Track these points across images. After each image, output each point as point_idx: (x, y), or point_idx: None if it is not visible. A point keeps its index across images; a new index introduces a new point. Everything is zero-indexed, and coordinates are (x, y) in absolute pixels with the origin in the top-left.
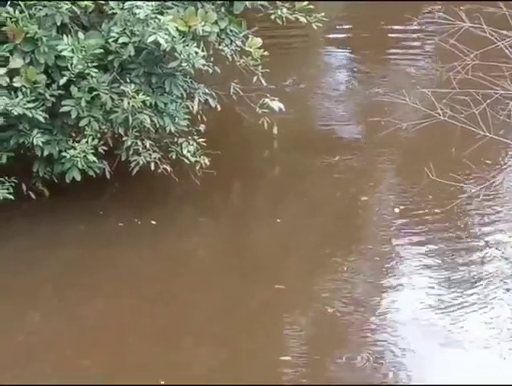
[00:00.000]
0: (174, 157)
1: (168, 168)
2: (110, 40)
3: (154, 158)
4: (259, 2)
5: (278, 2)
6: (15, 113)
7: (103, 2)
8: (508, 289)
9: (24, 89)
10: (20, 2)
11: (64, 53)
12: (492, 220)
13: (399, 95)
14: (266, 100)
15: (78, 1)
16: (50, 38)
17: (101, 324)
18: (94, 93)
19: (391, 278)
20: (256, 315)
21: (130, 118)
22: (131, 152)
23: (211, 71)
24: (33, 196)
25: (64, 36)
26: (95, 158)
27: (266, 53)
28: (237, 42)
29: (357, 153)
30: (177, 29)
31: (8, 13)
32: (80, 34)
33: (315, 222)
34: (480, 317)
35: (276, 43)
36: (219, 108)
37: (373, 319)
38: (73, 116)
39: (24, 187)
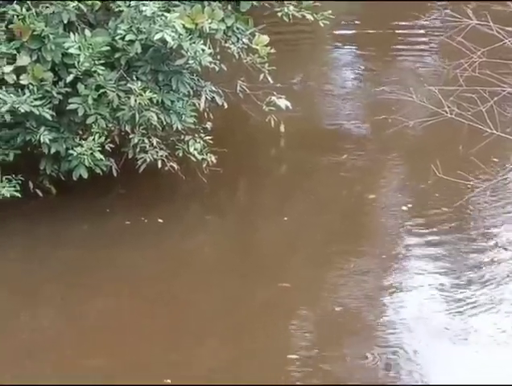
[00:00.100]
0: (181, 154)
1: (175, 166)
2: (117, 38)
3: (161, 155)
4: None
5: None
6: (22, 111)
7: (110, 0)
8: None
9: (31, 87)
10: (27, 0)
11: (70, 51)
12: (499, 218)
13: (406, 93)
14: (273, 98)
15: None
16: (57, 35)
17: (101, 324)
18: (101, 91)
19: (398, 277)
20: (262, 314)
21: (137, 116)
22: (138, 149)
23: (217, 68)
24: (40, 194)
25: (71, 34)
26: (102, 156)
27: (272, 50)
28: (243, 39)
29: (364, 151)
30: (184, 26)
31: (15, 10)
32: (87, 32)
33: (322, 220)
34: (489, 316)
35: (282, 38)
36: (226, 105)
37: (380, 318)
38: (80, 113)
39: (31, 185)
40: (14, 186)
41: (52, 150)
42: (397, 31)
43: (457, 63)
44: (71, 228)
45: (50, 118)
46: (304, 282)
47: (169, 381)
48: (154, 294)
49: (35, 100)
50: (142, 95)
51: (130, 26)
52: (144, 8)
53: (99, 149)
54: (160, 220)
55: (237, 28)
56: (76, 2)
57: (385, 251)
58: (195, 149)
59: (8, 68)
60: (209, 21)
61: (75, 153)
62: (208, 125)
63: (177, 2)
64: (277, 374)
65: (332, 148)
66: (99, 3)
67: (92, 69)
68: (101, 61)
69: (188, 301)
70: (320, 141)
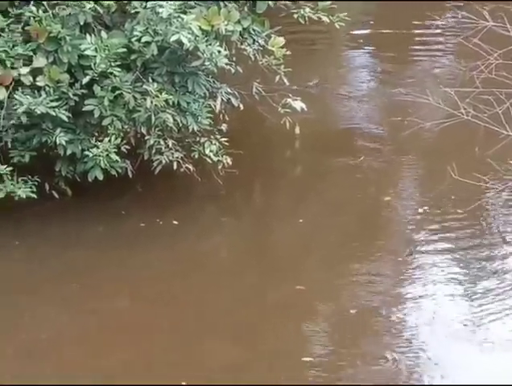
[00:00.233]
0: (196, 156)
1: (191, 167)
2: (133, 39)
3: (177, 157)
4: (282, 2)
5: (300, 1)
6: (38, 112)
7: (126, 2)
8: None
9: (47, 88)
10: (44, 2)
11: (87, 52)
12: None
13: (422, 94)
14: (289, 99)
15: (101, 0)
16: (73, 37)
17: (112, 324)
18: (117, 92)
19: (414, 280)
20: (276, 316)
21: (153, 117)
22: (154, 151)
23: (233, 70)
24: (56, 195)
25: (87, 35)
26: (118, 157)
27: (288, 52)
28: (259, 41)
29: (379, 152)
30: (200, 28)
31: (32, 12)
32: (103, 34)
33: (337, 222)
34: (506, 321)
35: (298, 39)
36: (241, 107)
37: (395, 321)
38: (96, 115)
39: (47, 187)
40: (30, 188)
41: (68, 152)
42: (413, 32)
43: (474, 65)
44: (86, 230)
45: (66, 120)
46: (319, 284)
47: (184, 383)
48: (169, 295)
49: (52, 101)
50: (158, 96)
51: (147, 28)
52: (160, 10)
53: (115, 150)
54: (175, 222)
55: (253, 30)
56: (93, 4)
57: (400, 254)
58: (210, 150)
59: (24, 70)
60: (225, 22)
61: (91, 155)
62: (224, 126)
63: (193, 4)
64: (291, 376)
65: (348, 150)
66: (115, 5)
67: (109, 71)
68: (118, 63)
69: (203, 302)
70: (336, 143)
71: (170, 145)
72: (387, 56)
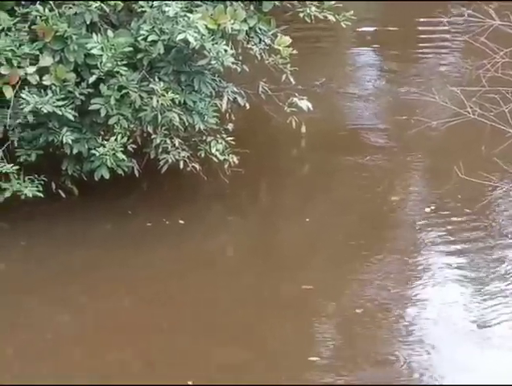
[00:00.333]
0: (203, 155)
1: (197, 166)
2: (139, 38)
3: (183, 156)
4: (288, 1)
5: (306, 0)
6: (45, 111)
7: (132, 1)
8: None
9: (54, 87)
10: (50, 1)
11: (93, 51)
12: None
13: (429, 93)
14: (295, 99)
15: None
16: (79, 36)
17: (117, 323)
18: (123, 91)
19: (421, 279)
20: (283, 316)
21: (159, 116)
22: (160, 150)
23: (239, 69)
24: (62, 194)
25: (94, 34)
26: (124, 156)
27: (294, 51)
28: (265, 40)
29: (386, 152)
30: (206, 27)
31: (38, 11)
32: (110, 33)
33: (344, 222)
34: None
35: (304, 37)
36: (248, 106)
37: (402, 320)
38: (102, 114)
39: (53, 186)
40: (37, 187)
41: (74, 151)
42: (419, 30)
43: (480, 64)
44: (92, 229)
45: (72, 119)
46: (325, 284)
47: (190, 383)
48: (174, 294)
49: (58, 100)
50: (164, 95)
51: (153, 27)
52: (167, 9)
53: (121, 149)
54: (182, 221)
55: (260, 29)
56: (99, 3)
57: (407, 253)
58: (217, 149)
59: (31, 69)
60: (232, 21)
61: (97, 154)
62: (230, 125)
63: (199, 3)
64: (297, 376)
65: (354, 149)
66: (121, 4)
67: (115, 70)
68: (124, 62)
69: (209, 301)
70: (342, 142)
71: (176, 144)
72: (393, 54)
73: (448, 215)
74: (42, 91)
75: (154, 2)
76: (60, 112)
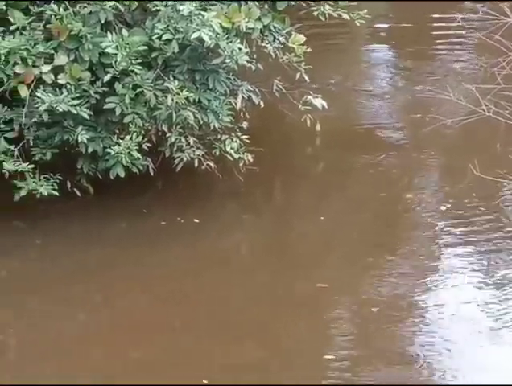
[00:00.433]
0: (217, 153)
1: (212, 165)
2: (154, 37)
3: (198, 154)
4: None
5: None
6: (60, 110)
7: (147, 0)
8: None
9: (69, 86)
10: (65, 0)
11: (108, 50)
12: None
13: (443, 91)
14: (309, 97)
15: None
16: (94, 35)
17: (131, 321)
18: (138, 90)
19: (436, 277)
20: (298, 314)
21: (174, 115)
22: (175, 149)
23: (254, 68)
24: (78, 193)
25: (108, 33)
26: (139, 155)
27: (308, 49)
28: (280, 38)
29: (401, 150)
30: (221, 25)
31: (53, 10)
32: (124, 32)
33: (359, 220)
34: None
35: (318, 34)
36: (262, 104)
37: (417, 319)
38: (117, 113)
39: (69, 184)
40: (52, 185)
41: (90, 149)
42: (433, 27)
43: (495, 61)
44: (107, 228)
45: (87, 117)
46: (340, 282)
47: (206, 381)
48: (189, 293)
49: (73, 99)
50: (179, 94)
51: (167, 26)
52: (181, 7)
53: (136, 148)
54: (196, 220)
55: (274, 27)
56: (114, 2)
57: (422, 251)
58: (231, 148)
59: (46, 68)
60: (246, 20)
61: (112, 153)
62: (245, 124)
63: (214, 1)
64: (313, 374)
65: (369, 147)
66: (136, 3)
67: (130, 68)
68: (138, 60)
69: (224, 300)
70: (357, 141)
71: (191, 143)
72: (408, 51)
73: (463, 213)
74: (57, 90)
75: (169, 1)
76: (75, 111)
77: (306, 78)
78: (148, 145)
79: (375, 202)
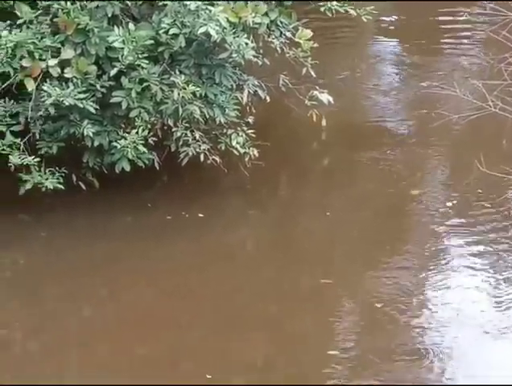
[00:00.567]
0: (223, 148)
1: (217, 159)
2: (161, 31)
3: (204, 149)
4: None
5: None
6: (66, 104)
7: None
8: None
9: (75, 80)
10: None
11: (114, 44)
12: None
13: (450, 87)
14: (315, 92)
15: None
16: (101, 29)
17: (136, 316)
18: (144, 84)
19: (440, 274)
20: (302, 310)
21: (180, 109)
22: (181, 143)
23: (260, 62)
24: (83, 187)
25: (115, 27)
26: (145, 149)
27: (315, 45)
28: (286, 33)
29: (407, 145)
30: (228, 20)
31: (60, 4)
32: (131, 26)
33: (365, 216)
34: None
35: (325, 28)
36: (268, 99)
37: (421, 315)
38: (123, 107)
39: (74, 178)
40: (58, 179)
41: (95, 143)
42: (440, 22)
43: (502, 57)
44: (112, 222)
45: (93, 111)
46: (345, 278)
47: (209, 376)
48: (194, 287)
49: (79, 93)
50: (185, 88)
51: (174, 20)
52: (188, 2)
53: (142, 142)
54: (201, 215)
55: (281, 22)
56: None
57: (428, 247)
58: (237, 142)
59: (52, 62)
60: (253, 15)
61: (118, 146)
62: (251, 118)
63: None
64: (317, 370)
65: (375, 143)
66: None
67: (136, 63)
68: (145, 55)
69: (229, 295)
70: (363, 136)
71: (197, 137)
72: (415, 47)
73: (469, 209)
74: (63, 83)
75: None
76: (82, 105)
77: (312, 73)
78: (154, 139)
79: (381, 198)
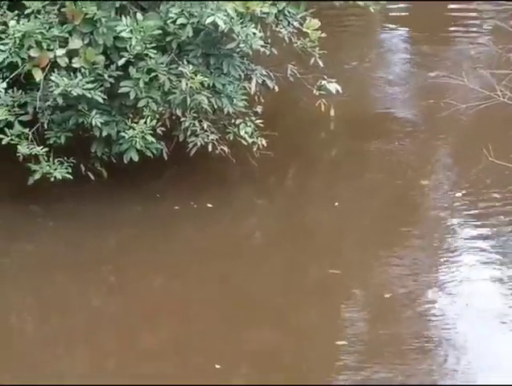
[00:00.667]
0: (231, 138)
1: (226, 149)
2: (168, 21)
3: (212, 139)
4: None
5: None
6: (74, 94)
7: None
8: None
9: (83, 70)
10: None
11: (122, 34)
12: None
13: (458, 76)
14: (323, 82)
15: None
16: (109, 19)
17: (139, 307)
18: (152, 74)
19: (450, 265)
20: (310, 300)
21: (188, 99)
22: (189, 133)
23: (268, 52)
24: (91, 177)
25: (123, 17)
26: (153, 139)
27: (323, 34)
28: (294, 23)
29: (415, 135)
30: (235, 10)
31: None
32: (139, 16)
33: (373, 206)
34: None
35: (333, 17)
36: (276, 89)
37: (431, 306)
38: (132, 97)
39: (83, 168)
40: (66, 169)
41: (104, 133)
42: (449, 11)
43: (510, 47)
44: (121, 212)
45: (101, 101)
46: (353, 268)
47: (218, 366)
48: (202, 278)
49: (87, 83)
50: (193, 78)
51: (182, 10)
52: None
53: (150, 132)
54: (209, 205)
55: (289, 12)
56: None
57: (437, 238)
58: (245, 132)
59: (60, 51)
60: (261, 4)
61: (126, 137)
62: (259, 108)
63: None
64: (325, 361)
65: (383, 132)
66: None
67: (144, 53)
68: (153, 45)
69: (237, 285)
70: (371, 126)
71: (205, 127)
72: (423, 37)
73: (478, 199)
74: (71, 73)
75: None
76: (90, 95)
77: (320, 63)
78: (162, 129)
79: (390, 188)
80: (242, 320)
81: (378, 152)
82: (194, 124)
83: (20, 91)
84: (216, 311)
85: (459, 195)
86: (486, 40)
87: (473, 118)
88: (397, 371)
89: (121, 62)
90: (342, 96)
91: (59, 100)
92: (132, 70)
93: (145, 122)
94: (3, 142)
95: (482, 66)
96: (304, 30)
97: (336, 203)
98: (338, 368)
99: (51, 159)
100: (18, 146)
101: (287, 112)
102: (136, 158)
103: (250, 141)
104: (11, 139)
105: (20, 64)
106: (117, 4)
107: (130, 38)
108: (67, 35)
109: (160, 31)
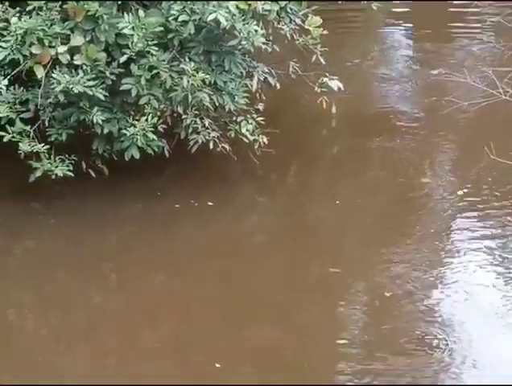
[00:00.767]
0: (233, 135)
1: (227, 147)
2: (170, 18)
3: (213, 136)
4: None
5: None
6: (76, 91)
7: None
8: None
9: (85, 67)
10: None
11: (124, 31)
12: None
13: (460, 74)
14: (325, 79)
15: None
16: (110, 16)
17: (140, 305)
18: (154, 71)
19: (452, 262)
20: (311, 298)
21: (190, 96)
22: (190, 130)
23: (270, 49)
24: (93, 174)
25: (125, 14)
26: (154, 136)
27: (325, 32)
28: (296, 20)
29: (416, 133)
30: (237, 7)
31: None
32: (141, 13)
33: (375, 204)
34: None
35: (335, 14)
36: (278, 86)
37: (432, 304)
38: (133, 94)
39: (84, 165)
40: (67, 166)
41: (105, 131)
42: (452, 10)
43: None
44: (122, 209)
45: (103, 98)
46: (354, 267)
47: (218, 365)
48: (203, 275)
49: (89, 80)
50: (194, 76)
51: (184, 7)
52: None
53: (151, 129)
54: (210, 203)
55: (290, 9)
56: None
57: (438, 236)
58: (247, 130)
59: (62, 48)
60: (262, 2)
61: (128, 134)
62: (260, 105)
63: None
64: (326, 358)
65: (385, 130)
66: None
67: (146, 50)
68: (155, 42)
69: (238, 283)
70: (373, 123)
71: (206, 125)
72: (425, 34)
73: (479, 197)
74: (73, 70)
75: None
76: (91, 92)
77: (322, 60)
78: (163, 126)
79: (391, 186)
80: (243, 318)
81: (380, 149)
82: (195, 121)
83: (22, 88)
84: (217, 309)
85: (460, 193)
86: (489, 37)
87: (475, 116)
88: (398, 370)
89: (122, 59)
90: (344, 94)
91: (61, 98)
92: (134, 67)
93: (146, 119)
94: (4, 140)
95: (484, 63)
96: (306, 27)
97: (338, 201)
98: (339, 366)
99: (52, 156)
100: (20, 144)
101: (289, 110)
102: (137, 156)
103: (252, 138)
104: (13, 136)
105: (22, 61)
106: (119, 1)
107: (132, 35)
108: (68, 32)
109: (162, 28)
